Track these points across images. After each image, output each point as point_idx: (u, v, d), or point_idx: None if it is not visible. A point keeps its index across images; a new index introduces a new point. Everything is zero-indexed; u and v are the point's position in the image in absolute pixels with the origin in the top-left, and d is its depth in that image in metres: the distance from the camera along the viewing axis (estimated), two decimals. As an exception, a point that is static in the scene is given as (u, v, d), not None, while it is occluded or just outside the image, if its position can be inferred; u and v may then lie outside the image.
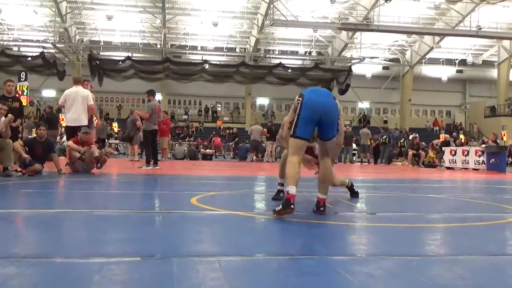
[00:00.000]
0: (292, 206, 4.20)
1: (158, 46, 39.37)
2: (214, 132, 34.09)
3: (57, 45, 35.86)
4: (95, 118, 11.75)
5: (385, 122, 43.51)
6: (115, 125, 33.72)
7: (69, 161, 10.19)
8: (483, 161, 17.26)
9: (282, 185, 5.64)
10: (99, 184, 8.05)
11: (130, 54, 33.92)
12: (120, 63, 31.83)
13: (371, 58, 40.83)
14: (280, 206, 4.23)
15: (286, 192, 4.33)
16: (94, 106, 10.64)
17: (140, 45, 39.82)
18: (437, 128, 43.40)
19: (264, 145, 23.06)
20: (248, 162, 21.85)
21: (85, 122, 10.40)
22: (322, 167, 4.72)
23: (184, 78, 33.68)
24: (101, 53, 37.87)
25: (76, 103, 10.41)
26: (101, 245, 3.12)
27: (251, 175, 12.16)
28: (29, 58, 31.04)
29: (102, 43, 39.55)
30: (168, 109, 39.98)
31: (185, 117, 43.17)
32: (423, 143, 22.35)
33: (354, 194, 6.26)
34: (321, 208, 4.63)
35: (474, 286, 2.36)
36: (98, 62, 31.53)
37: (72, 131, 10.44)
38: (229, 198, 6.58)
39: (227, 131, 35.07)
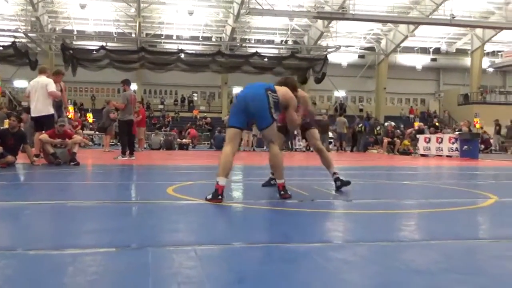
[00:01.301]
0: (220, 197, 4.43)
1: (133, 35, 38.89)
2: (190, 123, 33.74)
3: (29, 34, 35.14)
4: (65, 109, 11.53)
5: (361, 110, 43.85)
6: (89, 116, 33.28)
7: (43, 153, 10.03)
8: (456, 148, 17.54)
9: (273, 173, 5.88)
10: (73, 175, 7.95)
11: (104, 44, 33.46)
12: (94, 52, 31.37)
13: (347, 46, 40.97)
14: (210, 196, 4.47)
15: (216, 183, 4.50)
16: (54, 93, 10.33)
17: (114, 34, 39.26)
18: (413, 116, 43.87)
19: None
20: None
21: (49, 112, 10.14)
22: (270, 154, 4.95)
23: (159, 67, 33.37)
24: (74, 42, 37.30)
25: (37, 93, 10.16)
26: (75, 236, 3.09)
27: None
28: (0, 48, 30.37)
29: (75, 32, 38.90)
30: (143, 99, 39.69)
31: (161, 107, 42.82)
32: (398, 131, 22.58)
33: (343, 182, 5.75)
34: (282, 192, 4.80)
35: (446, 269, 2.40)
36: (71, 51, 31.03)
37: (36, 123, 10.26)
38: (206, 187, 6.54)
39: (203, 120, 34.94)
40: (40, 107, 10.12)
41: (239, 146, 22.49)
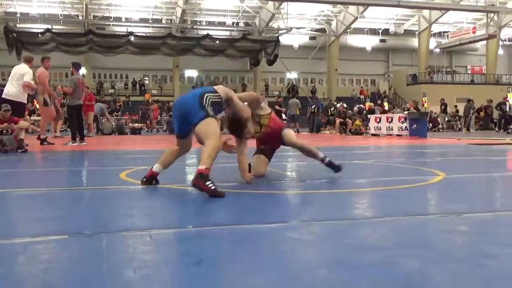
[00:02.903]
0: (144, 179, 4.56)
1: (80, 17, 37.80)
2: (158, 102, 32.28)
3: (-31, 17, 33.66)
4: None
5: (312, 91, 44.30)
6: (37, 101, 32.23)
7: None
8: (406, 127, 17.98)
9: None
10: (22, 163, 7.72)
11: (49, 26, 32.35)
12: (40, 35, 30.30)
13: (298, 28, 41.15)
14: (144, 178, 4.57)
15: (150, 169, 4.62)
16: (28, 83, 10.69)
17: (60, 17, 38.03)
18: (363, 96, 44.61)
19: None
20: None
21: (20, 99, 10.45)
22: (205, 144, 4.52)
23: (108, 50, 32.58)
24: (18, 25, 35.88)
25: (14, 78, 10.61)
26: (25, 225, 3.01)
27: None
28: None
29: (18, 15, 37.42)
30: (93, 83, 38.76)
31: (111, 91, 41.93)
32: (350, 111, 22.94)
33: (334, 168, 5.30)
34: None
35: (396, 244, 2.47)
36: (15, 34, 29.86)
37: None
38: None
39: (155, 104, 34.41)
40: (13, 92, 10.40)
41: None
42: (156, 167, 4.58)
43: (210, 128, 4.18)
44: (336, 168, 5.23)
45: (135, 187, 4.65)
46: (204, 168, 3.90)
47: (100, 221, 3.07)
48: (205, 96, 4.34)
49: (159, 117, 29.58)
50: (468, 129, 25.76)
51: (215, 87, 4.58)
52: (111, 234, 2.65)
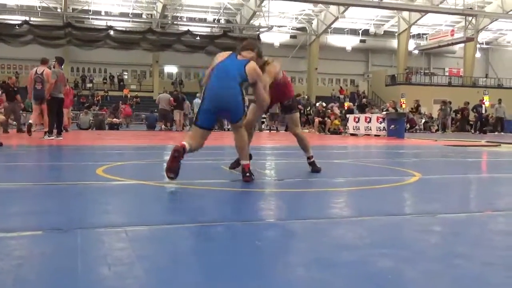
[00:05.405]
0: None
1: (59, 10, 37.28)
2: (120, 101, 32.47)
3: None
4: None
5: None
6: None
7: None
8: (384, 127, 18.13)
9: None
10: (-4, 156, 7.58)
11: (27, 18, 31.86)
12: (17, 27, 29.87)
13: (279, 26, 41.22)
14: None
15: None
16: None
17: (38, 9, 37.46)
18: (343, 96, 44.87)
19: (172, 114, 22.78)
20: (156, 131, 21.52)
21: None
22: (235, 137, 4.81)
23: (87, 44, 32.28)
24: (-5, 16, 35.32)
25: None
26: (-2, 220, 2.96)
27: (160, 144, 12.00)
28: None
29: (-5, 6, 36.83)
30: (71, 77, 38.29)
31: (89, 85, 41.47)
32: (329, 110, 23.07)
33: (315, 168, 5.59)
34: (247, 174, 4.66)
35: (372, 244, 2.49)
36: (-8, 26, 29.40)
37: None
38: (137, 167, 6.46)
39: (135, 99, 34.17)
40: None
41: (171, 126, 22.29)
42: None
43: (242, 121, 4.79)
44: (317, 169, 5.44)
45: (111, 183, 4.60)
46: (247, 164, 4.69)
47: (76, 217, 3.03)
48: (243, 91, 4.60)
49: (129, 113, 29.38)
50: (444, 130, 26.08)
51: (247, 69, 4.64)
52: (86, 230, 2.62)
